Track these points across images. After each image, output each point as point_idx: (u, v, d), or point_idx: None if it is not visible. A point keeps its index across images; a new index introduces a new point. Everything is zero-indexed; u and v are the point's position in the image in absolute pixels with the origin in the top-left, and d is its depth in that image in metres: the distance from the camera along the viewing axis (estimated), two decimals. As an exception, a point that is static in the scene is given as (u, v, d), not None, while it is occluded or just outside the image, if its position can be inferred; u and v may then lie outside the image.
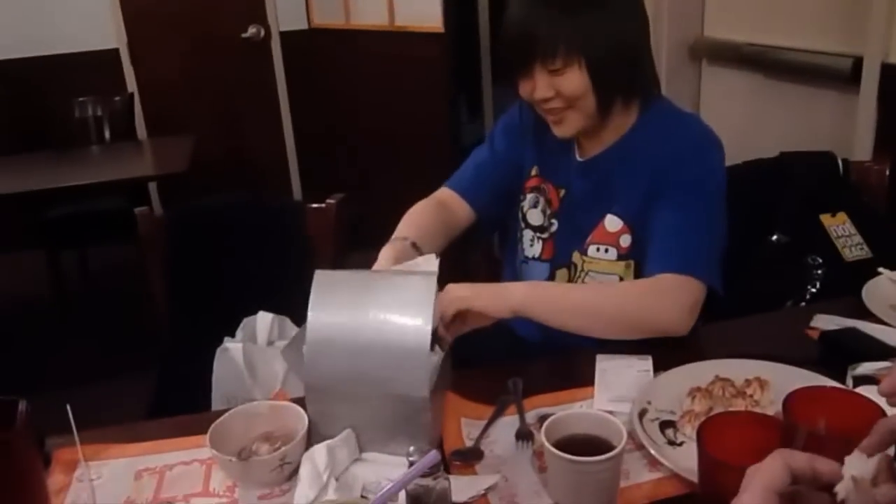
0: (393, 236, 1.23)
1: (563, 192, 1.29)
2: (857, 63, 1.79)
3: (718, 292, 1.14)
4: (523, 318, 1.11)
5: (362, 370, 0.90)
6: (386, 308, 0.92)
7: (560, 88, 1.14)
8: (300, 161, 4.34)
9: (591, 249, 1.24)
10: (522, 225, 1.34)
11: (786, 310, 1.43)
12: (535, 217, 1.32)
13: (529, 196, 1.33)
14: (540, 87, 1.14)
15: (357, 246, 2.05)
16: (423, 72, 3.35)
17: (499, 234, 1.47)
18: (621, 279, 1.23)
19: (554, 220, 1.30)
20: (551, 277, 1.30)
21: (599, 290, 1.20)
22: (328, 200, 1.59)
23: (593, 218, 1.24)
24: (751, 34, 2.31)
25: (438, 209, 1.33)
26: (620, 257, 1.22)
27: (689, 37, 2.57)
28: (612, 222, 1.22)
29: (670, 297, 1.10)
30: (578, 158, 1.28)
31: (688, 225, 1.14)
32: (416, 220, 1.29)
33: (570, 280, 1.28)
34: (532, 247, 1.33)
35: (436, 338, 0.95)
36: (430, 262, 1.09)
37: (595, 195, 1.24)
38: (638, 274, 1.22)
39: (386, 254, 1.16)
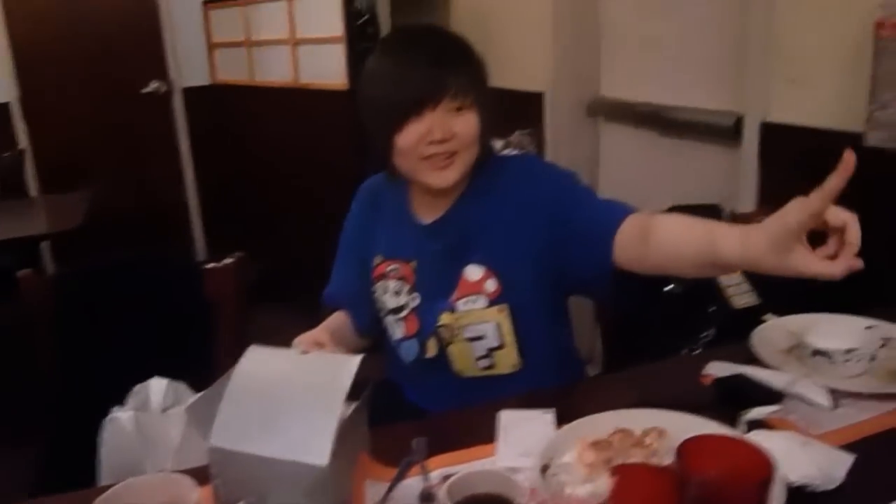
0: None
1: (414, 263, 1.30)
2: (740, 121, 1.90)
3: None
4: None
5: (270, 435, 0.89)
6: (305, 383, 0.93)
7: (458, 129, 1.17)
8: (206, 216, 4.25)
9: (460, 304, 1.25)
10: (383, 314, 1.36)
11: (682, 357, 1.48)
12: (391, 301, 1.33)
13: (378, 285, 1.34)
14: (441, 125, 1.16)
15: (263, 300, 2.00)
16: (329, 127, 3.36)
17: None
18: (499, 326, 1.24)
19: (415, 294, 1.30)
20: (423, 350, 1.30)
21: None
22: (227, 260, 1.55)
23: (453, 275, 1.25)
24: (643, 94, 2.43)
25: None
26: (492, 303, 1.24)
27: (587, 96, 2.68)
28: (473, 272, 1.24)
29: None
30: (424, 223, 1.30)
31: (597, 199, 1.22)
32: None
33: (444, 345, 1.28)
34: (397, 329, 1.34)
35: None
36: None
37: (449, 253, 1.26)
38: (515, 318, 1.24)
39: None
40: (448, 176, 1.20)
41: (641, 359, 1.35)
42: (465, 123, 1.17)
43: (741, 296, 1.54)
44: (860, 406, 1.11)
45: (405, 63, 1.18)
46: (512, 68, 2.89)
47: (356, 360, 0.93)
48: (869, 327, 1.33)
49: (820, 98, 1.64)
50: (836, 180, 0.85)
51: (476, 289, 1.24)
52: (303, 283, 1.46)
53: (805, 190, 1.68)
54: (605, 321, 1.62)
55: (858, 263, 0.88)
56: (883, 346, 1.27)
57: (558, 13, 2.60)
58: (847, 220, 0.88)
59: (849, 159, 0.84)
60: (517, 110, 2.82)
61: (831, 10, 1.58)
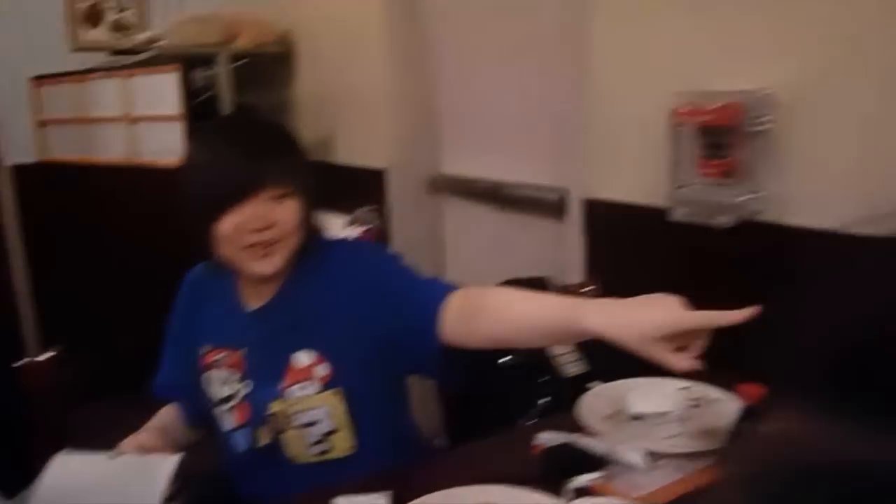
0: None
1: (243, 350, 1.29)
2: (566, 197, 2.02)
3: None
4: None
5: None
6: (116, 490, 0.91)
7: (278, 217, 1.18)
8: (38, 304, 3.96)
9: (291, 391, 1.24)
10: (212, 404, 1.33)
11: (516, 429, 1.52)
12: (220, 391, 1.31)
13: (206, 375, 1.32)
14: (260, 215, 1.17)
15: (100, 392, 1.89)
16: (168, 207, 3.27)
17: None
18: (332, 411, 1.24)
19: (246, 382, 1.29)
20: (254, 439, 1.28)
21: None
22: (46, 354, 1.46)
23: (281, 361, 1.25)
24: (482, 171, 2.54)
25: None
26: (324, 388, 1.23)
27: (428, 173, 2.77)
28: (302, 357, 1.24)
29: None
30: (251, 309, 1.29)
31: (420, 279, 1.25)
32: None
33: (276, 433, 1.26)
34: (227, 419, 1.31)
35: None
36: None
37: (277, 339, 1.26)
38: (348, 401, 1.24)
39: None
40: (269, 264, 1.20)
41: (482, 432, 1.38)
42: (286, 211, 1.19)
43: (571, 364, 1.61)
44: (675, 465, 1.18)
45: (222, 154, 1.19)
46: (355, 146, 2.95)
47: (172, 461, 0.90)
48: (683, 388, 1.43)
49: (631, 176, 1.77)
50: (734, 318, 0.96)
51: (306, 375, 1.23)
52: (145, 372, 1.40)
53: (624, 260, 1.81)
54: (446, 396, 1.65)
55: (701, 365, 1.00)
56: (696, 406, 1.37)
57: (398, 93, 2.69)
58: (705, 331, 1.00)
59: (750, 311, 0.96)
60: (362, 187, 2.87)
61: (637, 97, 1.73)
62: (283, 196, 1.18)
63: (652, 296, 1.04)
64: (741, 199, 1.51)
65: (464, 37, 2.58)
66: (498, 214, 2.48)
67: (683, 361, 0.99)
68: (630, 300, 1.04)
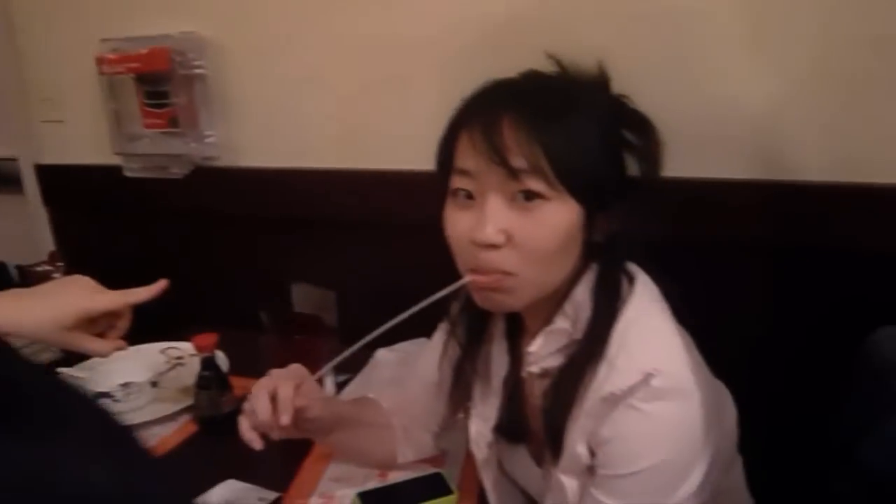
0: None
1: None
2: (19, 167, 1.77)
3: None
4: None
5: None
6: None
7: None
8: None
9: None
10: None
11: None
12: None
13: None
14: None
15: None
16: None
17: None
18: None
19: None
20: None
21: None
22: None
23: None
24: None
25: None
26: None
27: None
28: None
29: None
30: None
31: None
32: None
33: None
34: None
35: None
36: None
37: None
38: None
39: None
40: None
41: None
42: None
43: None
44: (154, 432, 1.16)
45: None
46: None
47: None
48: (165, 349, 1.39)
49: (80, 136, 1.62)
50: (144, 295, 0.96)
51: None
52: None
53: (91, 228, 1.67)
54: None
55: (124, 344, 0.98)
56: (175, 366, 1.34)
57: None
58: (124, 311, 0.97)
59: (161, 285, 0.96)
60: None
61: (67, 50, 1.57)
62: None
63: (63, 280, 0.99)
64: (191, 147, 1.48)
65: None
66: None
67: (106, 345, 0.96)
68: (38, 288, 0.96)
